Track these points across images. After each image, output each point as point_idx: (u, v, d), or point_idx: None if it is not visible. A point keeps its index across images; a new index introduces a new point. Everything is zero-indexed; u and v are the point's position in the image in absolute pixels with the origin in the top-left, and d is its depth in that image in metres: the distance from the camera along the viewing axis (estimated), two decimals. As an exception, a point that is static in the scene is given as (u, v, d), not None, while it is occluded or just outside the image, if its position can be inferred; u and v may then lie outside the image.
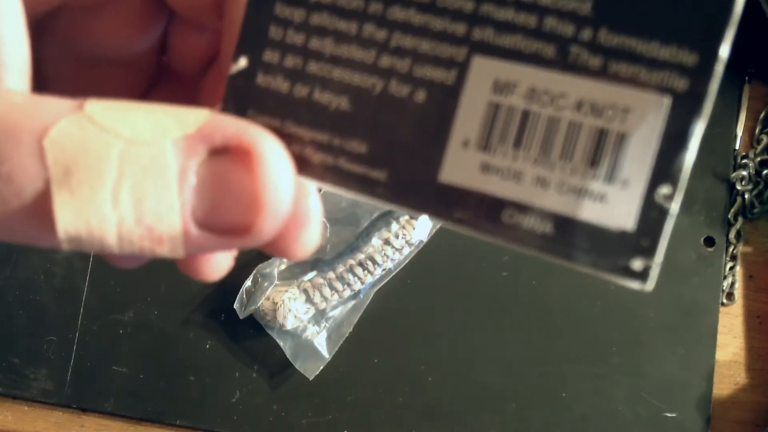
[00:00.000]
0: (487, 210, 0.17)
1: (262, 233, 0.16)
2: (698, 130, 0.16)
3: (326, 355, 0.46)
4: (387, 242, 0.46)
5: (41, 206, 0.16)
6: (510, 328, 0.48)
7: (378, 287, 0.47)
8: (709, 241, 0.49)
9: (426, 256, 0.48)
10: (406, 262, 0.47)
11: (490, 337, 0.48)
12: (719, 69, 0.16)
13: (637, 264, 0.16)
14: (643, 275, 0.16)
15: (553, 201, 0.16)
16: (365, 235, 0.47)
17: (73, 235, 0.16)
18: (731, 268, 0.49)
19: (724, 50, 0.15)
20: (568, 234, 0.16)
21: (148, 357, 0.48)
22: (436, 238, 0.48)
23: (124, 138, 0.16)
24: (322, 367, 0.46)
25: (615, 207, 0.16)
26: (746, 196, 0.49)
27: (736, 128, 0.50)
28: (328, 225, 0.47)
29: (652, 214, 0.16)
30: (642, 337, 0.48)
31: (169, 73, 0.25)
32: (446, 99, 0.17)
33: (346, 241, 0.47)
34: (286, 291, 0.46)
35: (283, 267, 0.47)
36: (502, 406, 0.47)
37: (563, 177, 0.16)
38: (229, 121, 0.16)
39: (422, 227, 0.47)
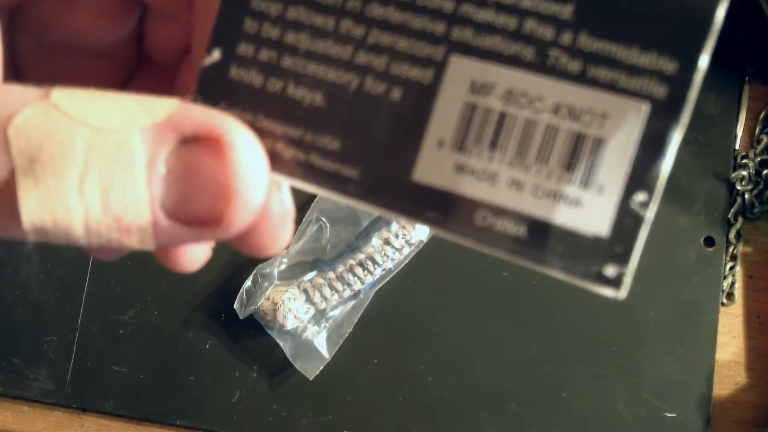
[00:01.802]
0: (460, 211, 0.16)
1: (234, 224, 0.16)
2: (676, 137, 0.15)
3: (326, 355, 0.46)
4: (387, 242, 0.46)
5: (6, 195, 0.15)
6: (510, 328, 0.48)
7: (378, 287, 0.47)
8: (709, 241, 0.49)
9: (426, 256, 0.48)
10: (406, 262, 0.47)
11: (490, 337, 0.48)
12: (699, 78, 0.16)
13: (610, 270, 0.16)
14: (616, 282, 0.16)
15: (528, 204, 0.16)
16: (365, 235, 0.47)
17: (39, 225, 0.15)
18: (731, 268, 0.49)
19: (704, 59, 0.16)
20: (542, 238, 0.16)
21: (148, 357, 0.48)
22: (436, 238, 0.48)
23: (91, 126, 0.15)
24: (322, 367, 0.46)
25: (590, 212, 0.16)
26: (746, 196, 0.49)
27: (736, 128, 0.50)
28: (328, 225, 0.47)
29: (627, 220, 0.16)
30: (642, 337, 0.48)
31: (149, 62, 0.24)
32: (422, 98, 0.17)
33: (346, 241, 0.47)
34: (286, 291, 0.46)
35: (283, 267, 0.47)
36: (502, 406, 0.47)
37: (539, 180, 0.16)
38: (200, 110, 0.16)
39: (422, 227, 0.47)
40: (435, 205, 0.16)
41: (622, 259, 0.16)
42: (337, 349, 0.47)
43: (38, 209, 0.15)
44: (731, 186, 0.49)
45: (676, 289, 0.48)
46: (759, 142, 0.50)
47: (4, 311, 0.48)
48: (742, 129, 0.50)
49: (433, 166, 0.17)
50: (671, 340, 0.48)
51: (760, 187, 0.49)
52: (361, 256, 0.46)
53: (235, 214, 0.16)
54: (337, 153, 0.17)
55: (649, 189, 0.15)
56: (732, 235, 0.49)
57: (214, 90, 0.18)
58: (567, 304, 0.48)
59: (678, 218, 0.49)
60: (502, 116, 0.16)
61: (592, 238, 0.16)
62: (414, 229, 0.47)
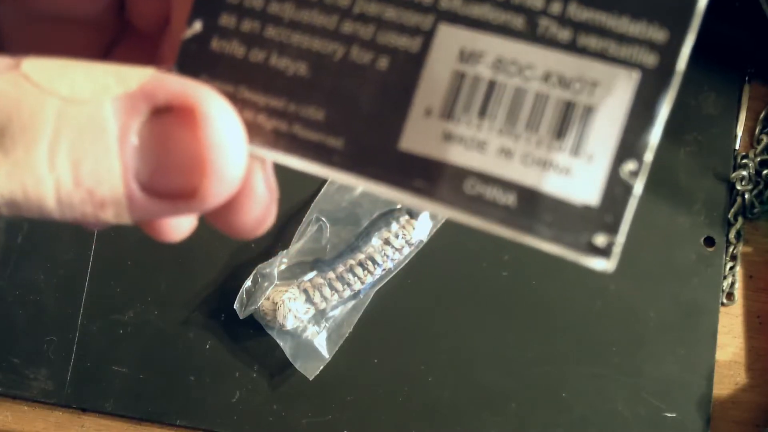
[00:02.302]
0: (448, 179, 0.16)
1: (209, 198, 0.16)
2: (666, 106, 0.15)
3: (326, 355, 0.46)
4: (387, 242, 0.46)
5: None
6: (510, 328, 0.48)
7: (378, 287, 0.47)
8: (709, 241, 0.49)
9: (426, 256, 0.48)
10: (406, 262, 0.47)
11: (490, 337, 0.48)
12: (690, 46, 0.15)
13: (600, 240, 0.16)
14: (605, 252, 0.16)
15: (518, 172, 0.16)
16: (365, 235, 0.47)
17: (9, 199, 0.15)
18: (731, 268, 0.49)
19: (695, 27, 0.15)
20: (531, 207, 0.16)
21: (148, 357, 0.48)
22: (436, 238, 0.48)
23: (61, 96, 0.15)
24: (322, 367, 0.46)
25: (579, 181, 0.16)
26: (746, 196, 0.49)
27: (736, 128, 0.50)
28: (328, 225, 0.47)
29: (616, 189, 0.16)
30: (642, 337, 0.48)
31: (131, 31, 0.24)
32: (410, 67, 0.17)
33: (346, 241, 0.47)
34: (286, 291, 0.46)
35: (283, 267, 0.47)
36: (502, 406, 0.47)
37: (528, 148, 0.16)
38: (174, 79, 0.16)
39: (422, 227, 0.47)
40: (422, 174, 0.16)
41: (612, 228, 0.16)
42: (337, 349, 0.47)
43: (8, 182, 0.15)
44: (731, 186, 0.49)
45: (676, 289, 0.48)
46: (759, 142, 0.50)
47: (4, 311, 0.48)
48: (742, 129, 0.50)
49: (420, 135, 0.16)
50: (671, 340, 0.48)
51: (760, 187, 0.49)
52: (361, 256, 0.46)
53: (210, 186, 0.15)
54: (321, 123, 0.17)
55: (639, 158, 0.15)
56: (732, 235, 0.49)
57: (195, 62, 0.18)
58: (567, 304, 0.48)
59: (678, 218, 0.49)
60: (492, 84, 0.16)
61: (581, 207, 0.16)
62: (414, 229, 0.47)
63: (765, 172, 0.49)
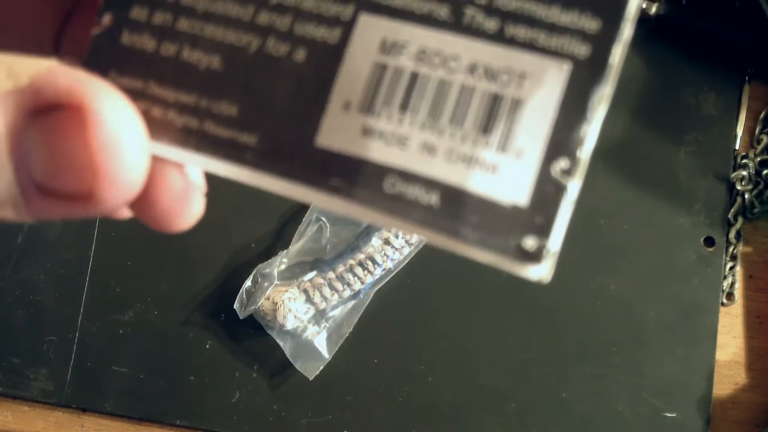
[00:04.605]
0: (366, 177, 0.15)
1: (105, 201, 0.15)
2: (600, 101, 0.14)
3: (326, 355, 0.46)
4: (387, 242, 0.46)
5: None
6: (510, 328, 0.48)
7: (378, 287, 0.47)
8: (709, 241, 0.49)
9: (426, 256, 0.48)
10: (406, 262, 0.47)
11: (491, 337, 0.48)
12: (625, 36, 0.15)
13: (529, 243, 0.14)
14: (536, 256, 0.14)
15: (441, 170, 0.15)
16: (365, 235, 0.47)
17: None
18: (731, 268, 0.49)
19: (631, 17, 0.15)
20: (456, 207, 0.15)
21: (148, 357, 0.48)
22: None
23: None
24: (322, 367, 0.46)
25: (507, 179, 0.15)
26: (746, 196, 0.49)
27: (736, 128, 0.50)
28: (328, 225, 0.47)
29: (547, 188, 0.14)
30: (642, 337, 0.48)
31: (86, 2, 0.23)
32: (328, 59, 0.16)
33: (346, 241, 0.47)
34: (286, 291, 0.46)
35: (283, 267, 0.47)
36: (502, 406, 0.47)
37: (453, 144, 0.15)
38: (67, 74, 0.14)
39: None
40: (340, 172, 0.15)
41: (543, 231, 0.14)
42: (337, 349, 0.47)
43: None
44: (731, 186, 0.49)
45: (676, 289, 0.48)
46: (759, 142, 0.50)
47: (4, 311, 0.48)
48: (742, 129, 0.50)
49: (338, 130, 0.15)
50: (671, 340, 0.48)
51: (760, 187, 0.49)
52: (361, 256, 0.46)
53: (104, 190, 0.14)
54: (234, 119, 0.16)
55: (571, 155, 0.14)
56: (732, 235, 0.49)
57: (104, 58, 0.17)
58: (567, 304, 0.48)
59: (678, 218, 0.49)
60: (414, 76, 0.15)
61: (510, 207, 0.14)
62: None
63: (765, 172, 0.49)
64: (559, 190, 0.14)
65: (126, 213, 0.19)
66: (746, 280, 0.49)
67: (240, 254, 0.49)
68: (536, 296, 0.48)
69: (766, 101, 0.51)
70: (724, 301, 0.49)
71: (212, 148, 0.16)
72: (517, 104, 0.15)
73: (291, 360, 0.46)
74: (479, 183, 0.15)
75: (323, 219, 0.48)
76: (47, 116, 0.14)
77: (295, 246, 0.47)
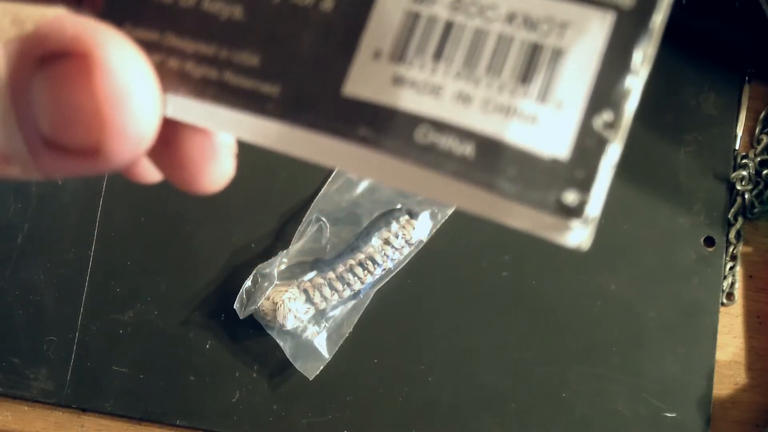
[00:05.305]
0: (397, 127, 0.14)
1: (114, 156, 0.14)
2: (645, 51, 0.14)
3: (326, 355, 0.46)
4: (387, 242, 0.46)
5: None
6: (510, 328, 0.48)
7: (378, 287, 0.47)
8: (709, 241, 0.49)
9: (426, 256, 0.48)
10: (406, 262, 0.47)
11: (491, 337, 0.48)
12: None
13: (570, 197, 0.14)
14: (577, 212, 0.13)
15: (477, 120, 0.14)
16: (365, 235, 0.47)
17: None
18: (731, 268, 0.49)
19: None
20: (492, 158, 0.14)
21: (148, 357, 0.48)
22: (436, 238, 0.48)
23: None
24: (322, 367, 0.46)
25: (547, 131, 0.14)
26: (746, 196, 0.49)
27: (736, 128, 0.50)
28: (328, 225, 0.47)
29: (589, 142, 0.14)
30: (642, 337, 0.48)
31: None
32: (357, 7, 0.15)
33: (346, 241, 0.47)
34: (286, 291, 0.46)
35: (283, 267, 0.47)
36: (502, 406, 0.47)
37: (489, 94, 0.14)
38: (73, 20, 0.14)
39: (422, 227, 0.47)
40: (368, 121, 0.14)
41: (584, 185, 0.13)
42: (337, 349, 0.47)
43: None
44: (731, 186, 0.49)
45: (676, 289, 0.48)
46: (759, 142, 0.50)
47: (4, 311, 0.48)
48: (742, 129, 0.50)
49: (366, 79, 0.15)
50: (671, 340, 0.48)
51: (760, 187, 0.49)
52: (361, 256, 0.46)
53: (112, 144, 0.14)
54: (255, 69, 0.15)
55: (615, 108, 0.14)
56: (732, 235, 0.49)
57: (120, 9, 0.16)
58: (567, 304, 0.48)
59: (678, 218, 0.49)
60: (449, 25, 0.15)
61: (549, 160, 0.14)
62: (414, 229, 0.47)
63: (765, 172, 0.49)
64: (602, 143, 0.14)
65: (155, 176, 0.19)
66: (746, 280, 0.49)
67: (240, 254, 0.49)
68: (536, 296, 0.48)
69: (766, 101, 0.51)
70: (724, 301, 0.49)
71: (232, 99, 0.15)
72: (557, 54, 0.14)
73: (291, 360, 0.46)
74: (517, 134, 0.14)
75: (323, 219, 0.48)
76: (53, 64, 0.14)
77: (295, 246, 0.47)
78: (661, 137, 0.50)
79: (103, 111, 0.13)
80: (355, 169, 0.15)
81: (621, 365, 0.47)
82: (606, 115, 0.14)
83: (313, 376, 0.46)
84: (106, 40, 0.14)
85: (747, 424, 0.48)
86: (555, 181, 0.14)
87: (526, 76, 0.14)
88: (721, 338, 0.48)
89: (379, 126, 0.14)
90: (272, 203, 0.49)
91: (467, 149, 0.14)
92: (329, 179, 0.48)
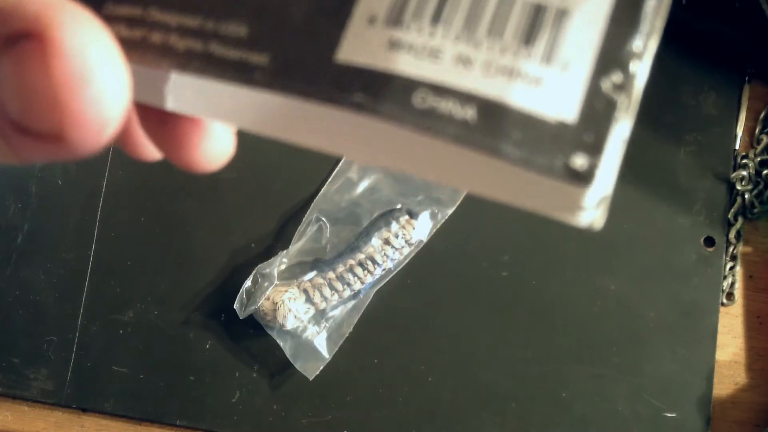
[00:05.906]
0: (394, 91, 0.13)
1: (77, 143, 0.13)
2: (655, 9, 0.13)
3: (326, 355, 0.46)
4: (387, 242, 0.46)
5: None
6: (510, 327, 0.48)
7: (378, 287, 0.47)
8: (709, 241, 0.49)
9: (426, 256, 0.48)
10: (406, 262, 0.47)
11: (490, 336, 0.48)
12: None
13: (579, 161, 0.13)
14: (586, 177, 0.13)
15: (478, 82, 0.13)
16: (365, 235, 0.47)
17: None
18: (731, 268, 0.49)
19: None
20: (495, 122, 0.13)
21: (148, 357, 0.48)
22: (436, 238, 0.48)
23: None
24: (322, 367, 0.46)
25: (553, 93, 0.13)
26: (746, 196, 0.49)
27: (736, 128, 0.50)
28: (328, 225, 0.47)
29: (597, 104, 0.13)
30: (642, 337, 0.48)
31: None
32: None
33: (346, 241, 0.47)
34: (286, 291, 0.46)
35: (283, 267, 0.47)
36: (502, 406, 0.47)
37: (491, 56, 0.13)
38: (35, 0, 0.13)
39: (422, 227, 0.47)
40: (363, 87, 0.14)
41: (593, 149, 0.13)
42: (337, 349, 0.47)
43: None
44: (731, 186, 0.49)
45: (676, 289, 0.48)
46: (759, 142, 0.50)
47: (4, 311, 0.48)
48: (742, 129, 0.50)
49: (361, 45, 0.14)
50: (671, 340, 0.48)
51: (760, 187, 0.49)
52: (361, 256, 0.46)
53: (72, 131, 0.13)
54: (243, 40, 0.15)
55: (624, 68, 0.13)
56: (732, 235, 0.49)
57: None
58: (567, 304, 0.48)
59: (678, 218, 0.49)
60: None
61: (556, 123, 0.13)
62: (414, 229, 0.47)
63: (765, 172, 0.49)
64: (611, 106, 0.13)
65: (155, 154, 0.18)
66: (746, 280, 0.49)
67: (240, 254, 0.49)
68: (536, 296, 0.48)
69: (766, 101, 0.51)
70: (724, 301, 0.49)
71: (217, 70, 0.15)
72: (562, 14, 0.13)
73: (291, 360, 0.46)
74: (521, 96, 0.13)
75: (323, 219, 0.48)
76: (15, 46, 0.13)
77: (295, 246, 0.47)
78: (661, 137, 0.50)
79: (60, 96, 0.13)
80: (348, 141, 0.14)
81: (621, 365, 0.47)
82: (615, 77, 0.13)
83: (313, 376, 0.46)
84: (66, 18, 0.13)
85: (747, 424, 0.48)
86: (562, 144, 0.13)
87: (529, 37, 0.13)
88: (721, 338, 0.48)
89: (375, 91, 0.14)
90: (272, 203, 0.49)
91: (468, 113, 0.13)
92: (329, 179, 0.48)
